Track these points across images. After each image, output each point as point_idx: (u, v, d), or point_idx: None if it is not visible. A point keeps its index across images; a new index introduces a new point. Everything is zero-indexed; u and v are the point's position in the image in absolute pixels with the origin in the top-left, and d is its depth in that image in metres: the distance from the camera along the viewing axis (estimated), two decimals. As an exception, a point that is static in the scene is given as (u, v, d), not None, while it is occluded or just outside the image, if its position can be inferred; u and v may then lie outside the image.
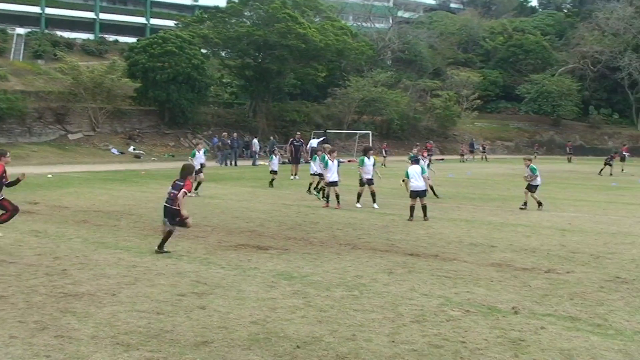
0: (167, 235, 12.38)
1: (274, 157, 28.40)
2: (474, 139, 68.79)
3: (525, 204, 20.84)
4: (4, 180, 12.97)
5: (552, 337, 7.66)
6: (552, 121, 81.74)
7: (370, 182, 20.49)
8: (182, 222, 12.25)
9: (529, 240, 14.58)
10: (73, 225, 15.56)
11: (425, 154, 25.14)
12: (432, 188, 23.48)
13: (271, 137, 52.36)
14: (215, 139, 48.53)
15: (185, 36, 52.27)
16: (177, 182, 12.36)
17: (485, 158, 60.85)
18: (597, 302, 9.26)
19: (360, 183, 20.77)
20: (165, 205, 12.36)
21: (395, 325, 8.00)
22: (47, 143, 45.78)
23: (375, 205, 20.13)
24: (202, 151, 28.88)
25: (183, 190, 12.06)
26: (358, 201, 20.60)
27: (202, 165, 28.88)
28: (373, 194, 20.41)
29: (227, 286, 9.72)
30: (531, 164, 20.98)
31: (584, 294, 9.70)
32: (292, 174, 32.91)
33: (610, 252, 13.35)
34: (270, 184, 26.98)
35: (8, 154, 13.41)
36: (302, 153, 38.41)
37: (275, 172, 27.43)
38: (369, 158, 20.67)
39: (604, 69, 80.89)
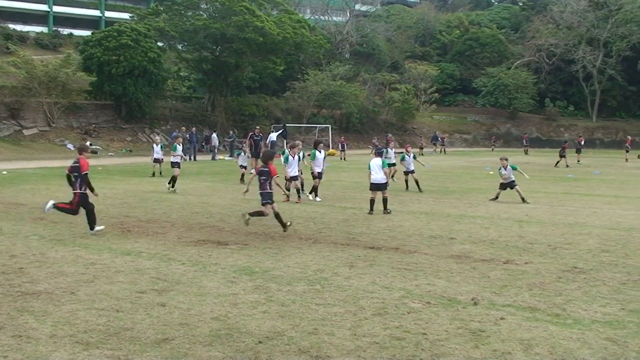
0: (258, 213, 13.85)
1: (242, 153, 28.29)
2: (437, 132, 69.32)
3: (497, 197, 21.18)
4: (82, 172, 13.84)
5: (511, 327, 7.77)
6: (509, 114, 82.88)
7: (320, 175, 21.16)
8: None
9: (488, 232, 14.75)
10: (29, 223, 15.31)
11: (410, 149, 25.15)
12: (417, 182, 23.84)
13: (231, 132, 52.15)
14: (176, 133, 48.07)
15: (140, 29, 51.73)
16: (261, 169, 13.72)
17: (444, 151, 61.37)
18: (556, 292, 9.41)
19: (313, 176, 21.21)
20: (260, 192, 13.86)
21: (357, 318, 8.03)
22: (1, 139, 44.95)
23: (310, 197, 20.79)
24: (159, 146, 28.77)
25: (273, 178, 13.64)
26: (316, 195, 20.74)
27: (160, 160, 28.67)
28: (315, 187, 20.97)
29: (187, 282, 9.66)
30: (509, 163, 21.22)
31: (542, 285, 9.85)
32: (252, 168, 32.57)
33: (568, 242, 13.58)
34: (242, 179, 26.69)
35: (89, 150, 14.96)
36: (262, 147, 38.09)
37: (244, 167, 27.18)
38: (320, 151, 21.37)
39: (559, 62, 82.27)
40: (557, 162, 41.28)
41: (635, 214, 18.37)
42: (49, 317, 7.91)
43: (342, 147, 49.35)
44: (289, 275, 10.19)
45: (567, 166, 40.03)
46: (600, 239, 14.08)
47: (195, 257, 11.57)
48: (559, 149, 43.18)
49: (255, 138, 33.89)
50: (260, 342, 7.11)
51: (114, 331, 7.40)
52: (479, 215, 17.45)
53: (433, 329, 7.67)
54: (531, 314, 8.34)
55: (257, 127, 36.27)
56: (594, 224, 16.30)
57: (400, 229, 15.14)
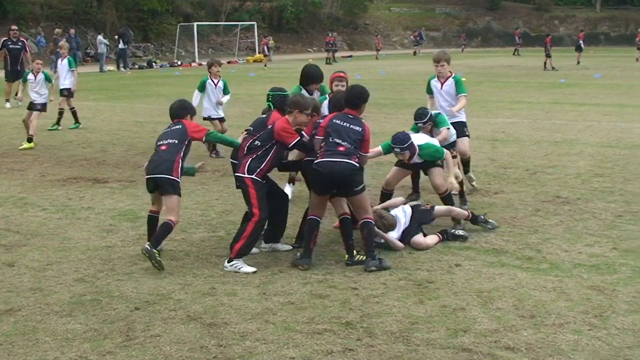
0: None
1: None
2: (422, 29, 69.15)
3: None
4: None
5: (468, 276, 7.79)
6: (489, 4, 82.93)
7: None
8: None
9: (451, 155, 14.77)
10: None
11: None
12: None
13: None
14: (41, 38, 46.93)
15: None
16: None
17: (417, 52, 61.75)
18: (530, 230, 9.48)
19: None
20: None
21: (269, 272, 7.99)
22: None
23: None
24: None
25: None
26: None
27: None
28: None
29: (47, 234, 9.49)
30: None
31: (513, 220, 9.93)
32: (7, 97, 25.60)
33: (551, 165, 13.74)
34: None
35: None
36: (27, 61, 25.20)
37: None
38: None
39: None
40: (545, 62, 41.77)
41: (640, 126, 18.68)
42: None
43: (267, 50, 50.52)
44: (185, 220, 10.03)
45: (554, 68, 40.48)
46: (593, 160, 14.28)
47: (62, 200, 11.43)
48: (544, 47, 43.50)
49: (10, 46, 25.65)
50: (137, 308, 7.00)
51: (-62, 301, 7.21)
52: (442, 135, 17.48)
53: (366, 282, 7.63)
54: (496, 257, 8.39)
55: (14, 27, 27.68)
56: (587, 141, 16.50)
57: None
